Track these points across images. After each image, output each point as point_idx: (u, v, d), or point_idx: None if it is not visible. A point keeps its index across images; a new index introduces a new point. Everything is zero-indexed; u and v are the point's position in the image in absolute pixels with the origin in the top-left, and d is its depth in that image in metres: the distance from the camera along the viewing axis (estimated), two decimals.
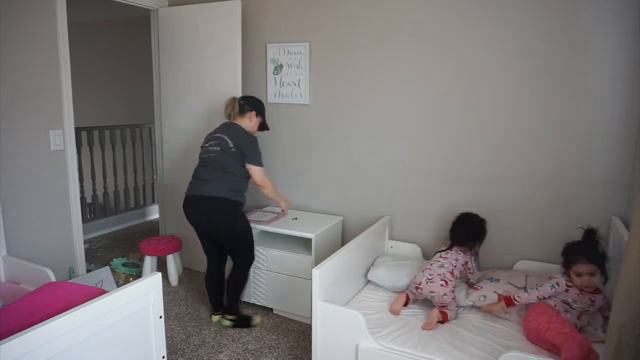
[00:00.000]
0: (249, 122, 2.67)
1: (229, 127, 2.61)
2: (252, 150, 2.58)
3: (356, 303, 2.38)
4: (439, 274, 2.26)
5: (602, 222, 2.41)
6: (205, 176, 2.53)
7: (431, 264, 2.35)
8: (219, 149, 2.52)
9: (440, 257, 2.37)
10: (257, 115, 2.70)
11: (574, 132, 2.41)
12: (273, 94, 3.26)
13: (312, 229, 2.78)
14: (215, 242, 2.67)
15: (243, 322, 2.73)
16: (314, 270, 1.99)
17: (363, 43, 2.89)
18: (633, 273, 1.36)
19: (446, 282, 2.23)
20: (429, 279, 2.26)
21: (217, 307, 2.80)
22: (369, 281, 2.61)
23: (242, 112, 2.65)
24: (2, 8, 2.44)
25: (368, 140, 2.98)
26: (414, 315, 2.24)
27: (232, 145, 2.51)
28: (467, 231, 2.42)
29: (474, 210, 2.60)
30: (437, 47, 2.67)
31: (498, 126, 2.59)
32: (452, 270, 2.28)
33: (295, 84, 3.16)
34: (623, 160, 2.34)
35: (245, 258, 2.67)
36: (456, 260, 2.33)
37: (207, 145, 2.59)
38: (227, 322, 2.72)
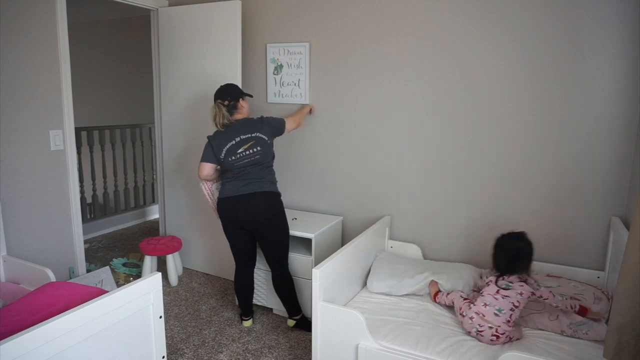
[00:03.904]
0: (244, 110, 2.61)
1: (250, 124, 2.53)
2: (278, 125, 2.62)
3: (356, 303, 2.38)
4: (490, 327, 1.95)
5: (602, 222, 2.41)
6: (246, 176, 2.51)
7: (484, 304, 2.01)
8: (260, 148, 2.50)
9: (498, 292, 2.02)
10: (243, 99, 2.61)
11: (574, 133, 2.41)
12: (273, 94, 3.26)
13: (312, 229, 2.78)
14: (252, 242, 2.64)
15: (307, 324, 2.71)
16: (314, 270, 1.99)
17: (363, 43, 2.89)
18: (633, 273, 1.37)
19: (497, 337, 1.94)
20: (478, 330, 1.97)
21: (247, 313, 2.79)
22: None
23: (233, 109, 2.56)
24: (2, 8, 2.44)
25: (368, 140, 2.98)
26: (416, 314, 2.24)
27: (267, 139, 2.52)
28: (515, 258, 2.07)
29: (473, 210, 2.60)
30: (438, 47, 2.67)
31: (498, 127, 2.59)
32: (512, 314, 1.97)
33: (295, 84, 3.16)
34: (623, 160, 2.34)
35: (284, 254, 2.62)
36: (520, 295, 1.99)
37: (242, 150, 2.48)
38: (291, 323, 2.71)
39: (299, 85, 3.14)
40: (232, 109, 2.55)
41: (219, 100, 2.55)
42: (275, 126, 2.61)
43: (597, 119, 2.36)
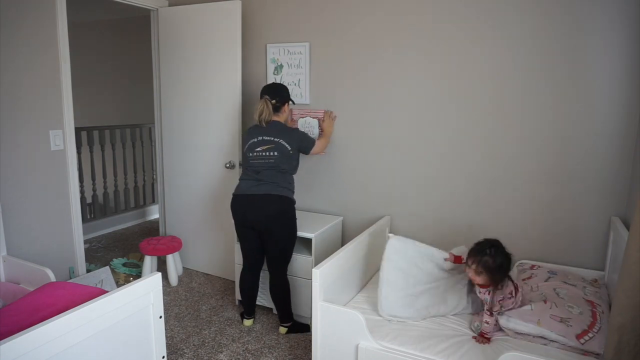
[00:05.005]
0: (285, 115, 2.68)
1: (279, 129, 2.58)
2: (307, 143, 2.67)
3: (356, 303, 2.38)
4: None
5: (602, 222, 2.41)
6: (261, 177, 2.53)
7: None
8: (277, 154, 2.52)
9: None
10: (288, 104, 2.69)
11: (574, 132, 2.41)
12: None
13: (312, 229, 2.78)
14: (260, 242, 2.63)
15: (299, 327, 2.72)
16: (314, 270, 1.99)
17: (363, 43, 2.89)
18: (633, 273, 1.37)
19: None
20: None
21: (250, 312, 2.79)
22: (368, 282, 2.61)
23: (277, 111, 2.62)
24: (2, 8, 2.44)
25: (368, 140, 2.98)
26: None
27: (290, 149, 2.55)
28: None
29: (473, 211, 2.61)
30: (438, 47, 2.67)
31: (498, 127, 2.59)
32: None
33: (295, 84, 3.16)
34: (623, 160, 2.34)
35: (285, 258, 2.63)
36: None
37: (259, 150, 2.54)
38: (283, 330, 2.71)
39: (299, 85, 3.14)
40: (276, 110, 2.62)
41: (267, 96, 2.59)
42: (303, 140, 2.64)
43: (597, 119, 2.36)
